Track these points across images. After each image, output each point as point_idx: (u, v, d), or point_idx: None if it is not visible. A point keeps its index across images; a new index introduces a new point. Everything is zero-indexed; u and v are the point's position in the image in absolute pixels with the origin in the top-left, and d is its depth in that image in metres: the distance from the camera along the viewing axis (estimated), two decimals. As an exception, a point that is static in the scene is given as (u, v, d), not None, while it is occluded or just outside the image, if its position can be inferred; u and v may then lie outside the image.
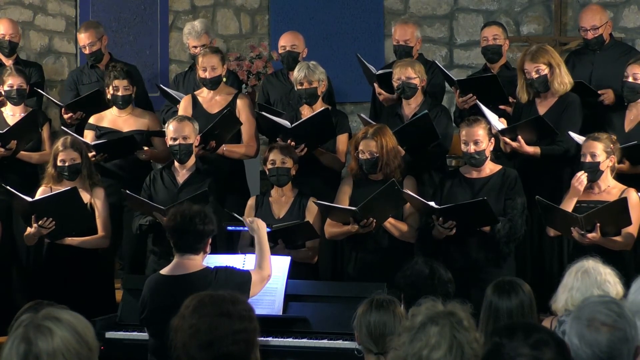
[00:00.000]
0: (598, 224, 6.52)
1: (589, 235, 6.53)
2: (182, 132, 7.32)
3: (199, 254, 5.55)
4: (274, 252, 6.80)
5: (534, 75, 7.45)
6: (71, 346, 2.74)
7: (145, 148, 7.93)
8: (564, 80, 7.46)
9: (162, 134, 7.87)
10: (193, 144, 7.37)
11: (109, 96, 8.04)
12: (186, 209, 5.61)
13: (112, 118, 8.08)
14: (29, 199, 7.10)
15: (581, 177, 6.78)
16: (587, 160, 6.80)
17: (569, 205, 6.79)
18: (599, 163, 6.78)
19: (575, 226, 6.56)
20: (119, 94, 8.00)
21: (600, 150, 6.78)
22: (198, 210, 5.60)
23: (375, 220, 6.84)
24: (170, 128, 7.36)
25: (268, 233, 6.72)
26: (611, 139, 6.87)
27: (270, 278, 5.91)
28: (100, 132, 8.00)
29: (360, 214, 6.81)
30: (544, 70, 7.43)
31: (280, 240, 6.87)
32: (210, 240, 5.60)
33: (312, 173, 7.55)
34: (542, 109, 7.49)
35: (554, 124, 7.30)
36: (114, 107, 8.07)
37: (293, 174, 7.23)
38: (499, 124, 7.38)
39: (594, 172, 6.79)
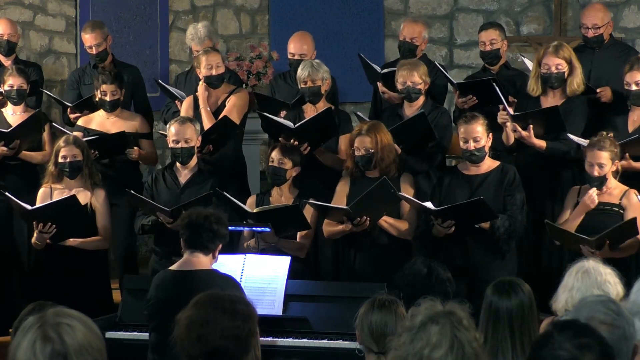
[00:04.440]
0: (608, 242, 6.52)
1: (599, 252, 6.46)
2: (184, 135, 7.27)
3: (208, 255, 5.56)
4: (270, 251, 6.79)
5: (554, 70, 7.40)
6: (93, 342, 2.69)
7: (135, 148, 7.96)
8: (580, 82, 7.44)
9: (149, 136, 8.05)
10: (195, 146, 7.35)
11: (97, 99, 8.06)
12: (202, 210, 5.68)
13: (101, 120, 8.09)
14: (29, 207, 7.10)
15: (593, 196, 6.73)
16: (595, 174, 6.74)
17: (576, 219, 6.77)
18: (606, 174, 6.76)
19: (585, 244, 6.54)
20: (107, 98, 8.00)
21: (606, 160, 6.73)
22: (214, 212, 5.67)
23: (369, 219, 6.83)
24: (172, 130, 7.31)
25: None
26: (613, 142, 6.81)
27: None
28: (88, 134, 7.98)
29: (353, 212, 6.81)
30: (564, 67, 7.39)
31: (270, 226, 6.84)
32: (220, 246, 5.61)
33: (311, 174, 7.54)
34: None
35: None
36: (102, 110, 8.09)
37: (291, 176, 7.21)
38: (509, 109, 7.34)
39: (603, 183, 6.77)
